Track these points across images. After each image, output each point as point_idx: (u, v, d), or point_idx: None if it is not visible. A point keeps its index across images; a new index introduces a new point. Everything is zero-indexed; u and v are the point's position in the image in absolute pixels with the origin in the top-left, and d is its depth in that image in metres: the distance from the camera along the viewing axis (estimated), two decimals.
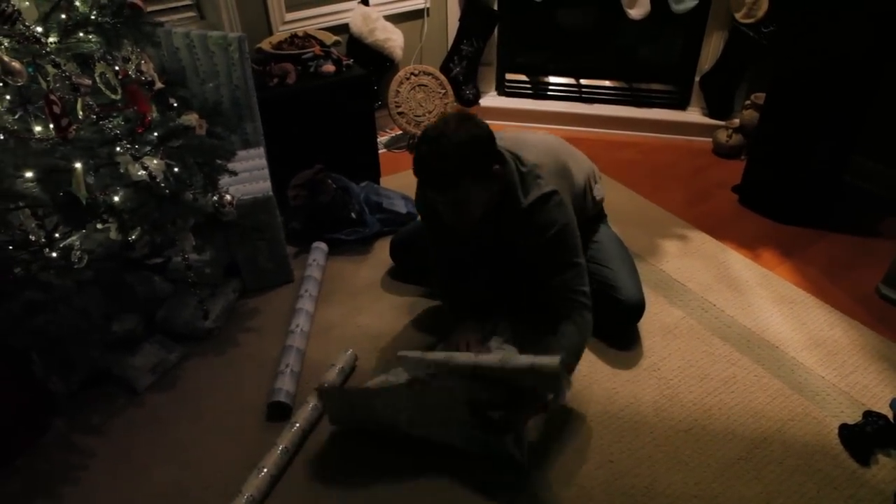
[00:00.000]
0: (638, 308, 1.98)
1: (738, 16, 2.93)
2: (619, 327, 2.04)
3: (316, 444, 1.74)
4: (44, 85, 1.48)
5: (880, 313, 2.16)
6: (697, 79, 3.29)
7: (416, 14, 3.25)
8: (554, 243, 1.71)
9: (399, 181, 2.92)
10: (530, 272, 1.81)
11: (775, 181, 2.66)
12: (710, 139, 3.25)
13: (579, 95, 3.53)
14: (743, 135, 3.12)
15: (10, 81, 1.40)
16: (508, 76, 3.58)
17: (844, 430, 1.72)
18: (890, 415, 1.74)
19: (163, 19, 2.48)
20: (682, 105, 3.42)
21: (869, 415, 1.74)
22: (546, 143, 1.89)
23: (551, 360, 1.45)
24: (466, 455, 1.67)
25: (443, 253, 1.98)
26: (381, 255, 2.41)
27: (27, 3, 1.51)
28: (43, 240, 1.57)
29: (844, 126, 2.46)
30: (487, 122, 1.66)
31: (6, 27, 1.42)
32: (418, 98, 3.25)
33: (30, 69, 1.47)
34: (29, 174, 1.49)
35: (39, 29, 1.49)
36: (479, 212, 1.67)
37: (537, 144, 1.83)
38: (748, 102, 3.11)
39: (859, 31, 2.26)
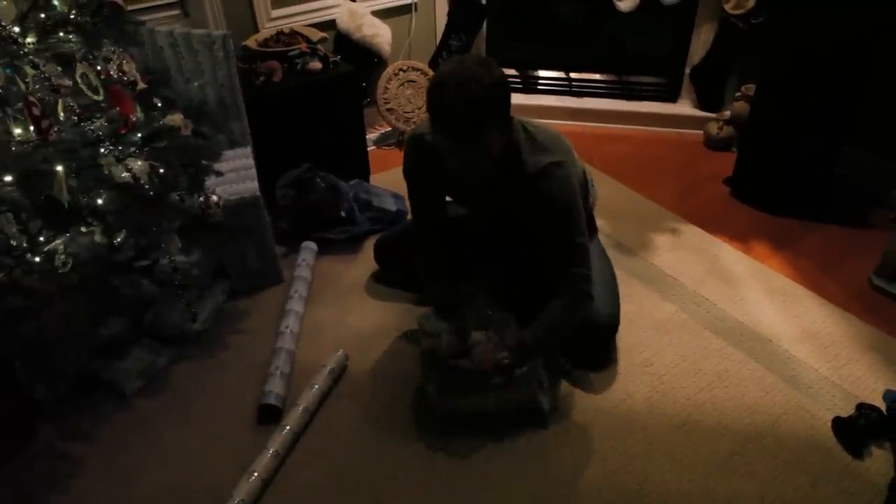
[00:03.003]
0: (607, 327, 1.90)
1: (727, 7, 2.91)
2: (589, 345, 1.94)
3: (307, 447, 1.72)
4: (22, 86, 1.45)
5: (873, 305, 2.16)
6: (687, 71, 3.28)
7: (404, 9, 3.22)
8: (559, 219, 1.66)
9: (389, 179, 2.90)
10: (528, 244, 1.77)
11: (767, 173, 2.66)
12: (701, 131, 3.24)
13: (569, 89, 3.52)
14: (734, 127, 3.11)
15: None
16: None
17: (838, 422, 1.72)
18: (883, 407, 1.74)
19: (146, 18, 2.44)
20: (672, 97, 3.41)
21: (862, 407, 1.74)
22: (550, 128, 1.84)
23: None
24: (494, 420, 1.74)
25: (426, 226, 1.92)
26: (371, 254, 2.39)
27: (4, 2, 1.48)
28: (25, 244, 1.55)
29: (835, 117, 2.45)
30: None
31: None
32: (407, 94, 3.23)
33: (7, 70, 1.44)
34: (8, 178, 1.46)
35: (17, 29, 1.46)
36: (488, 165, 1.60)
37: (542, 124, 1.79)
38: (738, 94, 3.11)
39: (849, 22, 2.25)
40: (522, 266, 2.00)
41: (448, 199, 1.96)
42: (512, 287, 1.97)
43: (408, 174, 1.87)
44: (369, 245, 2.48)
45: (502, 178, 1.68)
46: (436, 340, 1.77)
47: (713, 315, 2.13)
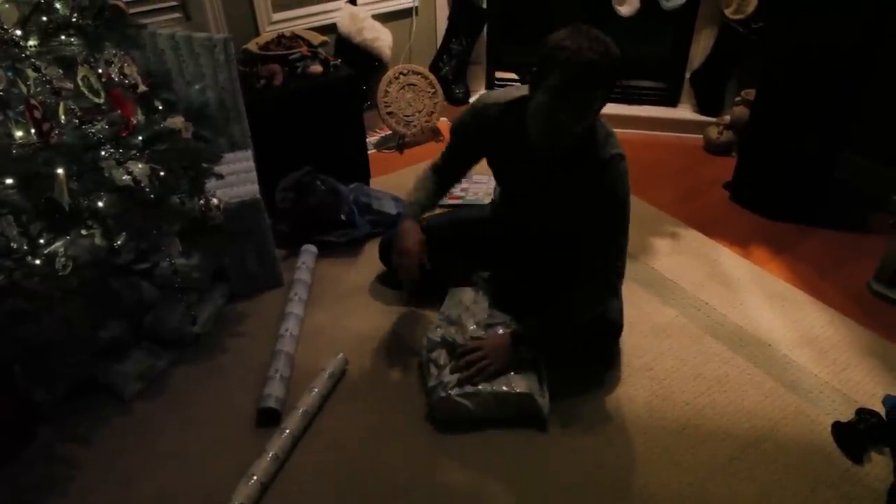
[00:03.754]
0: (614, 330, 1.92)
1: (727, 12, 2.92)
2: (594, 346, 1.96)
3: (307, 451, 1.72)
4: (24, 89, 1.45)
5: (872, 309, 2.16)
6: (688, 75, 3.29)
7: (405, 13, 3.23)
8: (612, 212, 1.70)
9: (389, 182, 2.90)
10: (554, 242, 1.81)
11: (766, 177, 2.66)
12: (701, 136, 3.25)
13: None
14: (734, 131, 3.11)
15: None
16: (498, 74, 3.57)
17: (837, 427, 1.72)
18: (882, 412, 1.74)
19: (148, 21, 2.44)
20: (672, 102, 3.41)
21: (861, 412, 1.74)
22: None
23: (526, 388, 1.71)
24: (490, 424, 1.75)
25: (442, 169, 2.01)
26: (372, 256, 2.39)
27: (6, 5, 1.48)
28: (26, 247, 1.55)
29: (834, 122, 2.46)
30: None
31: None
32: (407, 98, 3.23)
33: (9, 73, 1.44)
34: (9, 181, 1.46)
35: (19, 32, 1.47)
36: (571, 139, 1.62)
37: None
38: (738, 99, 3.11)
39: (848, 27, 2.26)
40: (535, 269, 2.02)
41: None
42: (520, 290, 1.98)
43: (457, 131, 1.93)
44: (369, 248, 2.48)
45: (572, 161, 1.70)
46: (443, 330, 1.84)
47: (713, 319, 2.13)
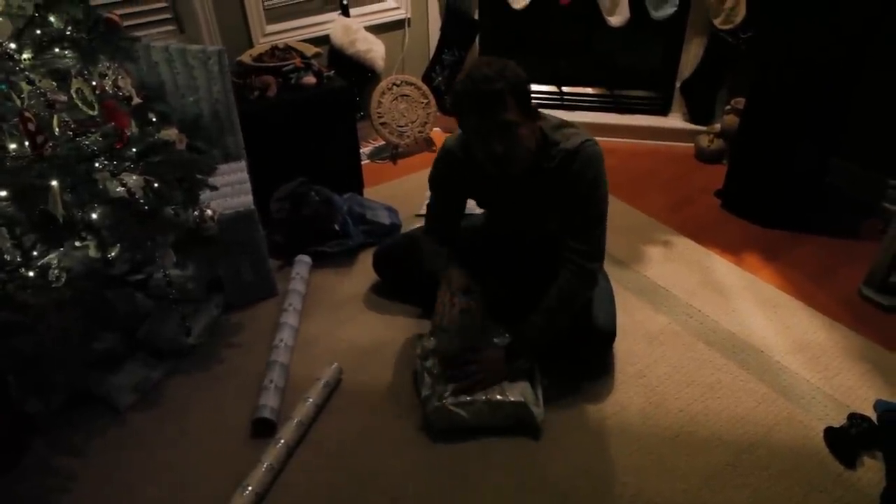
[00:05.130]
0: (608, 336, 1.91)
1: (716, 22, 2.95)
2: (588, 353, 1.96)
3: (301, 461, 1.72)
4: (18, 102, 1.46)
5: (863, 315, 2.18)
6: (678, 85, 3.32)
7: (397, 24, 3.25)
8: (584, 194, 1.70)
9: (383, 192, 2.92)
10: (541, 249, 1.82)
11: (757, 185, 2.68)
12: (692, 144, 3.27)
13: (561, 103, 3.55)
14: (724, 139, 3.14)
15: None
16: None
17: (830, 433, 1.73)
18: (874, 416, 1.75)
19: (141, 33, 2.46)
20: (663, 111, 3.44)
21: (853, 417, 1.75)
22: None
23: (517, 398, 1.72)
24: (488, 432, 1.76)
25: (439, 230, 1.98)
26: (366, 267, 2.40)
27: (0, 19, 1.49)
28: (19, 259, 1.55)
29: (824, 129, 2.48)
30: None
31: None
32: (401, 108, 3.25)
33: (3, 86, 1.45)
34: (3, 193, 1.47)
35: (13, 45, 1.48)
36: (523, 154, 1.65)
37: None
38: (729, 107, 3.14)
39: (836, 36, 2.29)
40: (530, 276, 2.01)
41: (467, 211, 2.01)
42: (514, 298, 1.99)
43: (433, 182, 1.93)
44: (363, 258, 2.49)
45: (539, 168, 1.71)
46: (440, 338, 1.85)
47: (706, 326, 2.14)
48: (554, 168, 1.70)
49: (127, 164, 1.66)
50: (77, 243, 1.65)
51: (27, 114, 1.44)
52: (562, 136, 1.70)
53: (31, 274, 1.55)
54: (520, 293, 2.02)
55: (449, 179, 1.87)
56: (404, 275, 2.24)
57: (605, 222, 1.75)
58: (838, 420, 1.77)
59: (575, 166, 1.68)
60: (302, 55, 2.77)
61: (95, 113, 1.62)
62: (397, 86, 3.23)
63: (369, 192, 2.93)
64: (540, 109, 1.71)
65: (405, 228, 2.58)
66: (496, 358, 1.79)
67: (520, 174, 1.70)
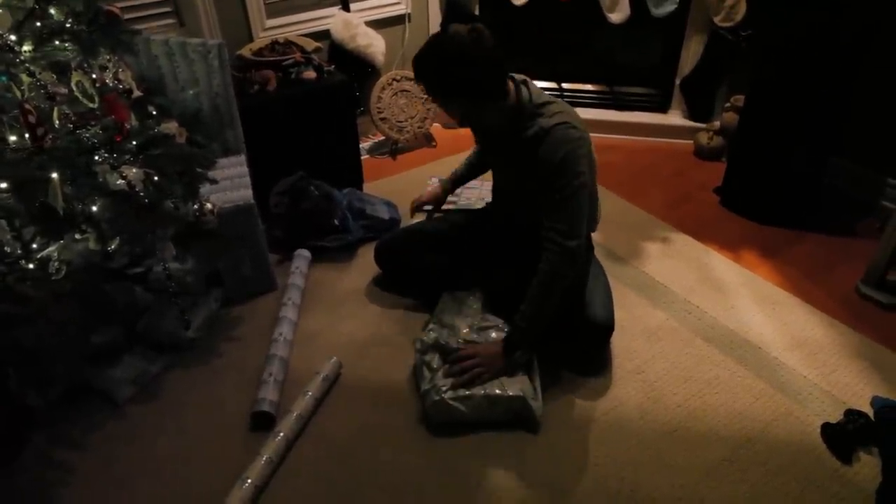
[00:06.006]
0: (606, 329, 1.92)
1: (716, 19, 2.95)
2: (586, 347, 1.97)
3: (300, 455, 1.73)
4: (18, 94, 1.45)
5: (860, 312, 2.19)
6: (678, 82, 3.32)
7: (398, 19, 3.25)
8: (552, 173, 1.70)
9: (382, 187, 2.92)
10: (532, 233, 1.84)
11: (756, 182, 2.68)
12: (692, 141, 3.28)
13: (561, 99, 3.54)
14: (723, 137, 3.14)
15: None
16: None
17: (827, 429, 1.74)
18: (871, 413, 1.76)
19: (142, 27, 2.45)
20: (663, 108, 3.44)
21: (850, 413, 1.76)
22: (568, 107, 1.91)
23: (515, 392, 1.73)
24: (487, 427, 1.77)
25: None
26: (365, 261, 2.40)
27: (0, 11, 1.49)
28: (19, 251, 1.55)
29: (823, 128, 2.49)
30: None
31: None
32: (400, 104, 3.25)
33: (3, 78, 1.45)
34: (3, 185, 1.46)
35: (13, 37, 1.47)
36: (481, 123, 1.91)
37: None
38: (728, 105, 3.14)
39: (836, 35, 2.29)
40: (526, 268, 2.02)
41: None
42: (512, 292, 1.99)
43: None
44: (362, 253, 2.49)
45: (517, 137, 1.76)
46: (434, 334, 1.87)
47: (704, 323, 2.15)
48: (529, 139, 1.73)
49: (127, 157, 1.66)
50: (77, 236, 1.65)
51: (27, 106, 1.44)
52: (545, 112, 1.74)
53: (30, 266, 1.55)
54: (517, 286, 2.03)
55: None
56: (403, 268, 2.24)
57: (578, 200, 1.72)
58: (835, 416, 1.78)
59: (542, 148, 1.71)
60: (302, 50, 2.77)
61: (96, 105, 1.62)
62: (397, 81, 3.23)
63: (369, 187, 2.93)
64: (531, 83, 1.81)
65: (404, 223, 2.58)
66: (494, 352, 1.79)
67: (497, 138, 1.84)
